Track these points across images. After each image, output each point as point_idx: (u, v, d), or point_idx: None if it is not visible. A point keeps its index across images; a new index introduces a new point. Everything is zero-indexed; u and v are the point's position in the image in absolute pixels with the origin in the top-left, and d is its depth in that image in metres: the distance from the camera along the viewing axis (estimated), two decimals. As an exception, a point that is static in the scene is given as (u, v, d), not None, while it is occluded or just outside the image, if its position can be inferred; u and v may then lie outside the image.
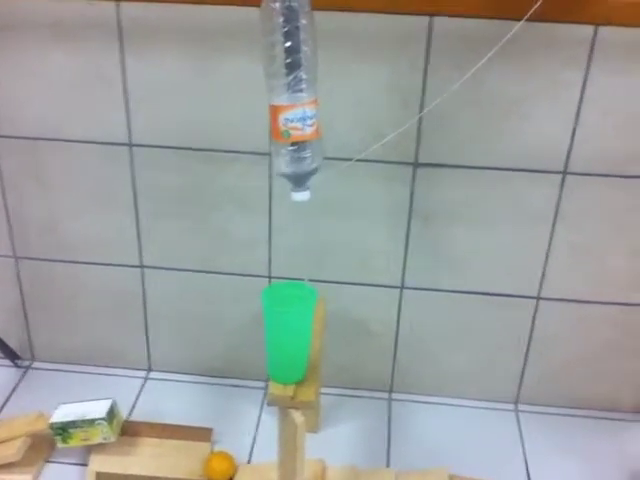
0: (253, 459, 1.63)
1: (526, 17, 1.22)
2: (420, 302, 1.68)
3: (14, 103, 1.56)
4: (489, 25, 1.34)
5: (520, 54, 1.37)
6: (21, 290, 1.80)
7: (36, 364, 1.90)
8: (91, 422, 1.54)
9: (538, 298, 1.65)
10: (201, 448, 1.63)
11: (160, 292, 1.76)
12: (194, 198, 1.62)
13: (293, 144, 1.13)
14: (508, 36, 1.20)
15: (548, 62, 1.39)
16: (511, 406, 1.80)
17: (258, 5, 1.10)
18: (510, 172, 1.50)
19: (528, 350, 1.73)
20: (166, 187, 1.61)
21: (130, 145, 1.57)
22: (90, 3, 1.41)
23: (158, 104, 1.52)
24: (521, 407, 1.80)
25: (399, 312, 1.71)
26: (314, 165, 1.15)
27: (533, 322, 1.69)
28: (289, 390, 1.28)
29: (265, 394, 1.80)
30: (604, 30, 1.34)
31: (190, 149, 1.56)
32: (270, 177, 1.56)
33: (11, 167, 1.63)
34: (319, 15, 1.13)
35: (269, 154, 1.52)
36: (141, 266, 1.73)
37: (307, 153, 1.13)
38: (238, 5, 1.36)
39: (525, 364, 1.75)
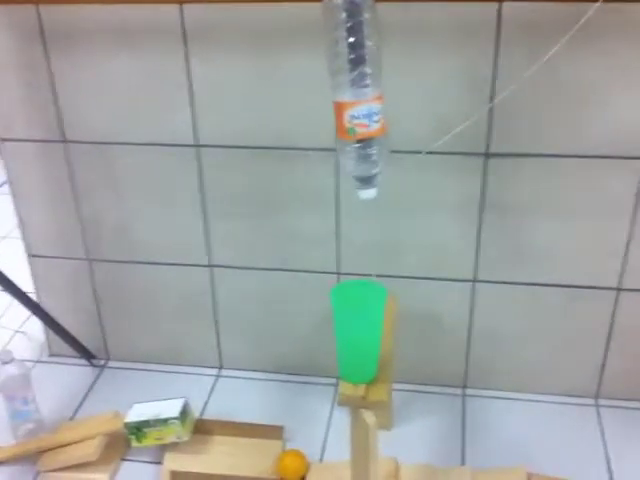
0: (325, 457, 1.62)
1: (602, -2, 1.16)
2: (494, 295, 1.64)
3: (83, 109, 1.58)
4: (560, 8, 1.28)
5: (595, 37, 1.31)
6: (95, 291, 1.84)
7: (111, 363, 1.94)
8: (164, 421, 1.56)
9: (618, 289, 1.59)
10: (273, 446, 1.63)
11: (230, 291, 1.77)
12: (261, 197, 1.61)
13: (359, 141, 1.10)
14: (584, 19, 1.15)
15: (626, 45, 1.32)
16: (591, 401, 1.74)
17: (320, 1, 1.08)
18: (587, 159, 1.44)
19: (608, 343, 1.66)
20: (233, 187, 1.61)
21: (197, 146, 1.57)
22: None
23: (223, 105, 1.51)
24: (602, 402, 1.74)
25: (472, 306, 1.67)
26: (380, 162, 1.12)
27: (613, 314, 1.62)
28: (360, 390, 1.26)
29: (336, 391, 1.78)
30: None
31: (256, 148, 1.55)
32: (337, 174, 1.54)
33: (82, 171, 1.66)
34: (382, 7, 1.10)
35: (335, 150, 1.50)
36: (210, 265, 1.73)
37: (373, 150, 1.10)
38: (300, 2, 1.34)
39: (605, 357, 1.69)
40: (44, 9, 1.47)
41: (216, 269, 1.74)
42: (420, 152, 1.35)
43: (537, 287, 1.61)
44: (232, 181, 1.61)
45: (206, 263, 1.73)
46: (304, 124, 1.50)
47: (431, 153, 1.36)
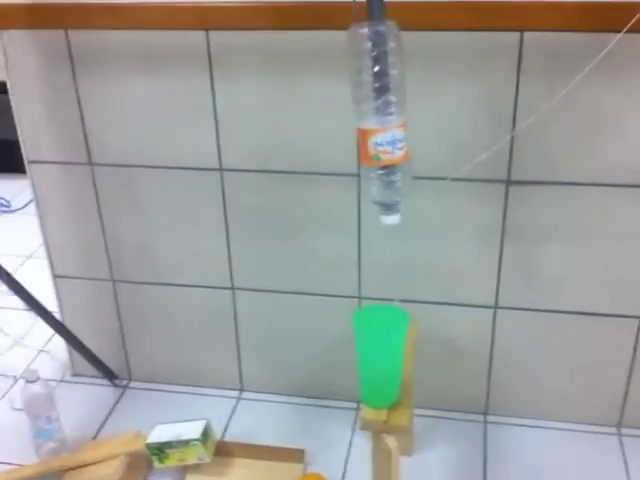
0: (346, 481, 1.62)
1: (625, 29, 1.17)
2: (515, 322, 1.64)
3: (108, 132, 1.61)
4: (581, 38, 1.29)
5: (617, 67, 1.32)
6: (118, 312, 1.86)
7: (133, 384, 1.95)
8: (186, 443, 1.57)
9: (640, 317, 1.58)
10: (294, 469, 1.63)
11: (251, 313, 1.78)
12: (284, 220, 1.63)
13: (383, 168, 1.11)
14: (606, 50, 1.16)
15: (643, 74, 1.33)
16: (614, 429, 1.72)
17: (342, 29, 1.10)
18: (606, 188, 1.45)
19: (631, 371, 1.65)
20: (256, 210, 1.63)
21: (221, 170, 1.59)
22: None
23: (247, 129, 1.54)
24: (624, 431, 1.72)
25: (493, 332, 1.66)
26: (404, 189, 1.13)
27: (636, 342, 1.61)
28: (382, 414, 1.26)
29: (357, 415, 1.78)
30: None
31: (279, 172, 1.57)
32: (359, 198, 1.55)
33: (107, 193, 1.69)
34: (407, 35, 1.12)
35: (357, 175, 1.51)
36: (232, 288, 1.75)
37: (397, 177, 1.12)
38: (323, 29, 1.36)
39: (628, 386, 1.67)
40: (73, 33, 1.51)
41: (238, 291, 1.75)
42: (444, 178, 1.36)
43: (556, 314, 1.61)
44: (255, 204, 1.62)
45: (228, 285, 1.74)
46: (326, 148, 1.51)
47: (454, 180, 1.37)
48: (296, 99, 1.48)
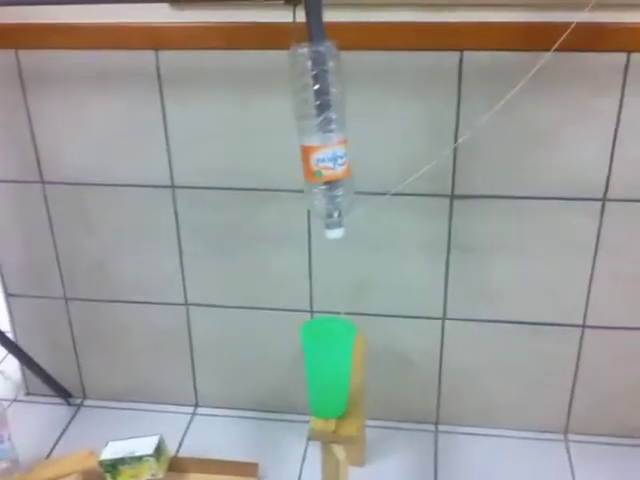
0: (300, 494, 1.64)
1: (554, 48, 1.22)
2: (463, 333, 1.68)
3: (60, 150, 1.62)
4: (519, 57, 1.35)
5: (551, 84, 1.37)
6: (72, 330, 1.85)
7: (87, 402, 1.94)
8: (139, 459, 1.57)
9: (583, 326, 1.63)
10: (248, 483, 1.64)
11: (205, 329, 1.79)
12: (236, 236, 1.65)
13: (325, 183, 1.15)
14: (536, 68, 1.22)
15: (580, 91, 1.39)
16: (561, 436, 1.77)
17: (287, 48, 1.13)
18: (548, 201, 1.50)
19: (575, 379, 1.70)
20: (208, 226, 1.65)
21: (172, 187, 1.61)
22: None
23: (198, 146, 1.56)
24: (571, 437, 1.77)
25: (442, 343, 1.70)
26: (346, 203, 1.17)
27: (579, 350, 1.66)
28: (330, 425, 1.29)
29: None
30: (637, 56, 1.34)
31: (230, 189, 1.59)
32: (308, 213, 1.58)
33: (58, 212, 1.69)
34: (349, 55, 1.15)
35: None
36: (186, 304, 1.76)
37: (339, 192, 1.15)
38: (270, 49, 1.39)
39: (573, 393, 1.72)
40: (23, 53, 1.52)
41: (192, 307, 1.76)
42: (386, 194, 1.39)
43: (504, 324, 1.65)
44: (207, 221, 1.64)
45: (182, 301, 1.76)
46: (276, 166, 1.54)
47: (398, 194, 1.41)
48: (246, 117, 1.51)
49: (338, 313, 1.34)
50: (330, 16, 1.14)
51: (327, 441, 1.29)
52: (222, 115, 1.51)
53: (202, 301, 1.76)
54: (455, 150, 1.46)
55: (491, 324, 1.66)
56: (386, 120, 1.46)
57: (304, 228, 1.61)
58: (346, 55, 1.14)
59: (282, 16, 1.23)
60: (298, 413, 1.83)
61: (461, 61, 1.39)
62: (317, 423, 1.29)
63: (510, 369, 1.71)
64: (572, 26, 1.22)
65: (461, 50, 1.38)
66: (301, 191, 1.52)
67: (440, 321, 1.67)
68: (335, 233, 1.20)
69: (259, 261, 1.67)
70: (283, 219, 1.61)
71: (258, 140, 1.53)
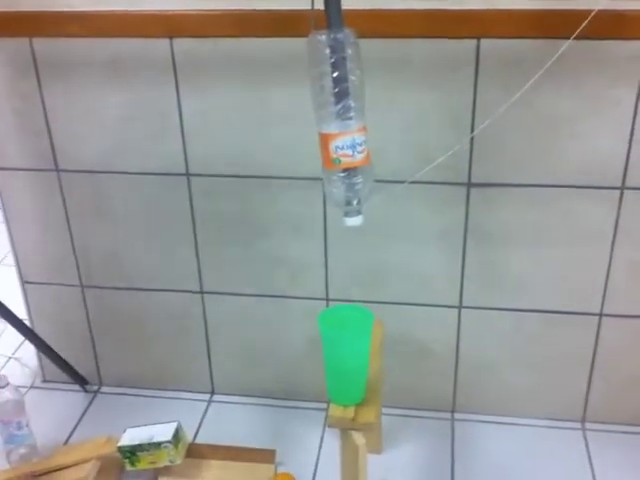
0: (316, 481, 1.65)
1: (574, 36, 1.21)
2: (480, 321, 1.67)
3: (74, 139, 1.62)
4: (536, 45, 1.33)
5: (569, 72, 1.36)
6: (88, 318, 1.86)
7: (104, 389, 1.96)
8: (158, 445, 1.58)
9: (601, 315, 1.62)
10: (265, 470, 1.64)
11: (221, 316, 1.80)
12: (250, 224, 1.65)
13: (344, 171, 1.14)
14: (555, 57, 1.20)
15: (599, 79, 1.37)
16: (578, 424, 1.77)
17: (305, 36, 1.13)
18: (565, 189, 1.49)
19: (593, 367, 1.70)
20: (223, 214, 1.65)
21: (187, 175, 1.61)
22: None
23: (213, 134, 1.56)
24: (588, 425, 1.76)
25: (458, 331, 1.70)
26: (365, 191, 1.16)
27: (597, 339, 1.66)
28: (349, 412, 1.29)
29: (326, 415, 1.80)
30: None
31: (245, 177, 1.59)
32: (324, 202, 1.58)
33: (74, 200, 1.70)
34: (367, 43, 1.15)
35: (321, 179, 1.53)
36: (201, 292, 1.76)
37: (358, 179, 1.15)
38: (285, 37, 1.39)
39: (590, 381, 1.72)
40: (37, 42, 1.52)
41: (207, 295, 1.77)
42: (404, 182, 1.39)
43: (519, 313, 1.65)
44: (222, 209, 1.64)
45: (198, 289, 1.76)
46: (292, 153, 1.54)
47: (415, 183, 1.40)
48: (262, 105, 1.51)
49: (355, 301, 1.33)
50: (347, 3, 1.13)
51: (346, 428, 1.29)
52: (238, 103, 1.51)
53: (218, 289, 1.76)
54: (472, 138, 1.45)
55: (508, 312, 1.65)
56: (403, 108, 1.46)
57: (320, 216, 1.60)
58: (363, 43, 1.14)
59: (300, 3, 1.22)
60: (315, 400, 1.84)
61: (478, 49, 1.38)
62: (336, 410, 1.29)
63: (527, 357, 1.70)
64: (593, 14, 1.20)
65: (478, 38, 1.37)
66: (317, 178, 1.54)
67: (457, 309, 1.67)
68: (354, 221, 1.19)
69: (275, 249, 1.67)
70: (299, 207, 1.61)
71: (274, 128, 1.53)
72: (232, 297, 1.76)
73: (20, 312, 1.80)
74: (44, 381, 1.99)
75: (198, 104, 1.53)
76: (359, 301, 1.34)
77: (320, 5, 1.12)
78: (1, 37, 1.52)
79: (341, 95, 1.10)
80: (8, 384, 1.60)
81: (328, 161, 1.14)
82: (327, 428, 1.76)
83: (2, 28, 1.49)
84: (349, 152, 1.12)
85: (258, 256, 1.69)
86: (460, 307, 1.66)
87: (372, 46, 1.23)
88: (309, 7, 1.17)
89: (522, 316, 1.65)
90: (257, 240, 1.67)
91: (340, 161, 1.12)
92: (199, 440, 1.76)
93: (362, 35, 1.13)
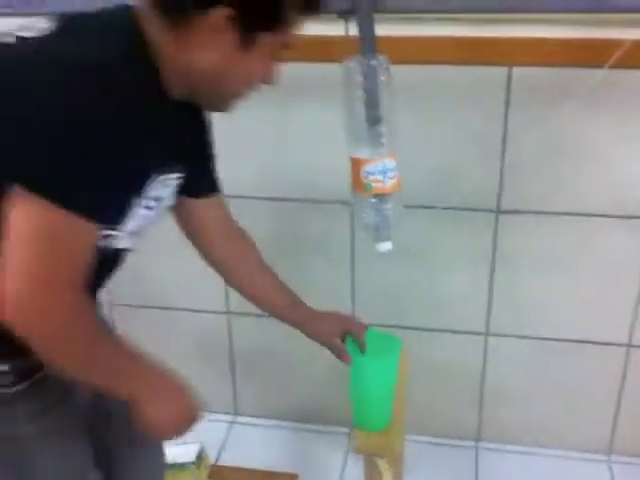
0: (338, 506, 1.63)
1: (607, 65, 1.21)
2: (506, 349, 1.66)
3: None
4: (567, 73, 1.33)
5: (601, 101, 1.36)
6: (115, 336, 1.87)
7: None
8: (180, 466, 1.58)
9: (629, 345, 1.60)
10: (287, 494, 1.64)
11: (246, 338, 1.80)
12: (278, 246, 1.65)
13: (374, 196, 1.15)
14: (588, 86, 1.20)
15: (629, 108, 1.37)
16: (604, 456, 1.74)
17: (338, 61, 1.14)
18: (595, 218, 1.48)
19: (620, 398, 1.67)
20: (251, 235, 1.65)
21: (217, 196, 1.62)
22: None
23: (241, 156, 1.57)
24: (614, 457, 1.74)
25: (485, 359, 1.69)
26: (395, 216, 1.17)
27: (624, 369, 1.64)
28: (374, 438, 1.28)
29: (349, 439, 1.80)
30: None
31: (272, 199, 1.60)
32: (352, 225, 1.58)
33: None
34: (398, 68, 1.15)
35: (350, 203, 1.54)
36: (227, 312, 1.77)
37: (388, 205, 1.15)
38: (319, 62, 1.40)
39: (617, 413, 1.69)
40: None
41: (233, 316, 1.77)
42: (434, 207, 1.39)
43: (547, 341, 1.63)
44: (250, 229, 1.65)
45: (224, 310, 1.77)
46: (321, 177, 1.55)
47: (444, 208, 1.41)
48: (291, 127, 1.52)
49: (382, 326, 1.33)
50: (380, 30, 1.14)
51: (371, 454, 1.29)
52: (267, 125, 1.52)
53: (243, 310, 1.76)
54: (502, 165, 1.46)
55: (534, 341, 1.64)
56: (433, 134, 1.46)
57: (347, 239, 1.61)
58: (395, 68, 1.15)
59: (334, 29, 1.24)
60: (338, 424, 1.83)
61: (509, 76, 1.39)
62: (361, 436, 1.28)
63: (553, 387, 1.69)
64: (626, 44, 1.20)
65: (509, 65, 1.37)
66: (345, 202, 1.54)
67: (483, 336, 1.66)
68: (384, 246, 1.20)
69: (301, 271, 1.67)
70: (326, 230, 1.61)
71: (303, 151, 1.54)
72: (258, 318, 1.76)
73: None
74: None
75: (227, 125, 1.55)
76: (385, 325, 1.33)
77: (354, 31, 1.13)
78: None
79: (373, 121, 1.11)
80: None
81: (359, 186, 1.15)
82: (350, 453, 1.75)
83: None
84: (380, 178, 1.13)
85: (284, 277, 1.69)
86: (487, 334, 1.65)
87: (404, 72, 1.24)
88: (343, 33, 1.18)
89: (549, 345, 1.64)
90: (283, 261, 1.66)
91: (371, 187, 1.13)
92: (221, 462, 1.75)
93: (394, 61, 1.14)
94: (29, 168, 0.80)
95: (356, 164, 1.14)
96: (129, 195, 0.87)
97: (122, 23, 0.89)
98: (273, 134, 1.53)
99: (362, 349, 1.26)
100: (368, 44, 1.11)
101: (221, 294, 1.74)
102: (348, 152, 1.16)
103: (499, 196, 1.50)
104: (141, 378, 1.02)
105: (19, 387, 0.98)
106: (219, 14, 0.84)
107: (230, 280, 1.30)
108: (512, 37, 1.33)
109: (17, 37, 0.89)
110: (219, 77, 0.92)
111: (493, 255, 1.56)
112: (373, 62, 1.10)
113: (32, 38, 0.87)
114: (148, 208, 0.93)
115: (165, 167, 0.93)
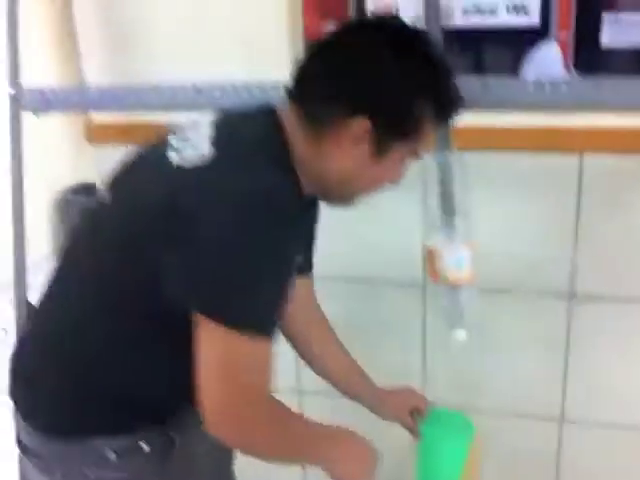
0: None
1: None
2: (582, 436, 1.62)
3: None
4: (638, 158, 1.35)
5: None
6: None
7: None
8: None
9: None
10: None
11: (318, 415, 1.79)
12: (348, 326, 1.66)
13: (449, 285, 1.17)
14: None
15: None
16: None
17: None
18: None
19: None
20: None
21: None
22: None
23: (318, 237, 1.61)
24: None
25: (559, 446, 1.65)
26: (469, 305, 1.18)
27: None
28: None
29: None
30: None
31: (345, 280, 1.63)
32: (424, 308, 1.59)
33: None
34: (473, 155, 1.18)
35: (422, 286, 1.56)
36: (298, 391, 1.78)
37: (463, 294, 1.17)
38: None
39: None
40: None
41: (305, 394, 1.78)
42: (509, 291, 1.39)
43: (625, 430, 1.59)
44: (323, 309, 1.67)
45: (295, 387, 1.78)
46: (394, 259, 1.57)
47: (517, 292, 1.41)
48: (368, 212, 1.54)
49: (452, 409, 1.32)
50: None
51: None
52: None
53: (312, 388, 1.77)
54: (575, 250, 1.46)
55: (611, 428, 1.60)
56: (506, 218, 1.48)
57: (418, 322, 1.61)
58: (469, 155, 1.17)
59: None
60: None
61: (581, 163, 1.40)
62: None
63: (633, 477, 1.63)
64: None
65: (581, 153, 1.39)
66: (416, 285, 1.56)
67: (557, 423, 1.63)
68: (459, 334, 1.21)
69: (371, 352, 1.67)
70: (398, 311, 1.62)
71: (377, 234, 1.56)
72: (328, 399, 1.76)
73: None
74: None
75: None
76: (456, 408, 1.33)
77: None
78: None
79: (448, 212, 1.14)
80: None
81: (434, 275, 1.17)
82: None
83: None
84: (455, 268, 1.15)
85: (354, 357, 1.70)
86: (561, 421, 1.62)
87: (478, 158, 1.27)
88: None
89: (627, 433, 1.59)
90: (353, 342, 1.68)
91: (446, 277, 1.15)
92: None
93: (467, 148, 1.17)
94: (214, 300, 0.85)
95: (432, 254, 1.17)
96: (286, 298, 0.91)
97: (269, 134, 0.94)
98: (346, 215, 1.56)
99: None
100: (444, 139, 1.14)
101: (292, 371, 1.76)
102: (423, 240, 1.19)
103: (573, 281, 1.49)
104: (327, 442, 1.09)
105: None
106: (359, 125, 0.89)
107: (305, 354, 1.34)
108: (583, 126, 1.36)
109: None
110: (350, 181, 0.97)
111: (567, 339, 1.55)
112: (448, 155, 1.14)
113: (197, 167, 0.90)
114: None
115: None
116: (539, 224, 1.47)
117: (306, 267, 1.22)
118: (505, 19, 1.34)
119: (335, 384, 1.35)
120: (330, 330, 1.31)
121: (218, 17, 1.51)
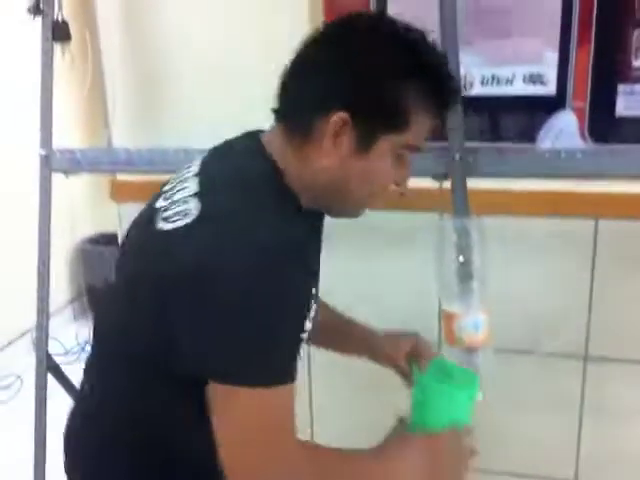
0: None
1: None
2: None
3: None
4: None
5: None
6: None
7: None
8: None
9: None
10: None
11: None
12: (362, 387, 1.67)
13: (466, 349, 1.18)
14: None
15: None
16: None
17: (431, 211, 1.20)
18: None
19: None
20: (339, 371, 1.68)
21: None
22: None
23: (326, 293, 1.61)
24: None
25: (575, 511, 1.64)
26: (486, 368, 1.19)
27: None
28: None
29: None
30: None
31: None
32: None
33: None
34: (489, 220, 1.21)
35: (437, 348, 1.56)
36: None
37: (480, 357, 1.18)
38: (409, 211, 1.46)
39: None
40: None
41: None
42: (524, 352, 1.40)
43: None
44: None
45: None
46: (410, 322, 1.57)
47: (532, 353, 1.42)
48: (386, 274, 1.57)
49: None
50: (472, 183, 1.20)
51: None
52: (353, 269, 1.57)
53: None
54: (590, 313, 1.47)
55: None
56: (521, 281, 1.50)
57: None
58: (486, 220, 1.20)
59: (426, 182, 1.29)
60: None
61: (596, 227, 1.43)
62: None
63: None
64: None
65: (596, 218, 1.42)
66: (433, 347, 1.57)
67: (572, 485, 1.62)
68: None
69: (384, 412, 1.66)
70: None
71: (393, 296, 1.57)
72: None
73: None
74: None
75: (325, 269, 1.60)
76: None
77: (447, 184, 1.20)
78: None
79: (465, 278, 1.16)
80: None
81: (451, 338, 1.19)
82: None
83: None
84: (472, 332, 1.17)
85: (369, 421, 1.70)
86: (577, 484, 1.62)
87: (494, 222, 1.29)
88: (437, 185, 1.25)
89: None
90: (368, 401, 1.69)
91: (463, 341, 1.17)
92: None
93: (485, 212, 1.20)
94: (235, 364, 0.80)
95: (448, 317, 1.19)
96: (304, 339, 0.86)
97: (255, 165, 0.89)
98: (361, 277, 1.58)
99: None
100: (461, 205, 1.17)
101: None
102: (441, 304, 1.21)
103: (587, 344, 1.50)
104: (400, 459, 0.99)
105: None
106: (337, 118, 0.84)
107: None
108: (597, 192, 1.39)
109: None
110: (341, 181, 0.90)
111: (581, 402, 1.55)
112: (466, 222, 1.16)
113: (197, 219, 0.85)
114: None
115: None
116: (555, 287, 1.48)
117: None
118: (522, 88, 1.37)
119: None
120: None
121: (245, 73, 1.54)
